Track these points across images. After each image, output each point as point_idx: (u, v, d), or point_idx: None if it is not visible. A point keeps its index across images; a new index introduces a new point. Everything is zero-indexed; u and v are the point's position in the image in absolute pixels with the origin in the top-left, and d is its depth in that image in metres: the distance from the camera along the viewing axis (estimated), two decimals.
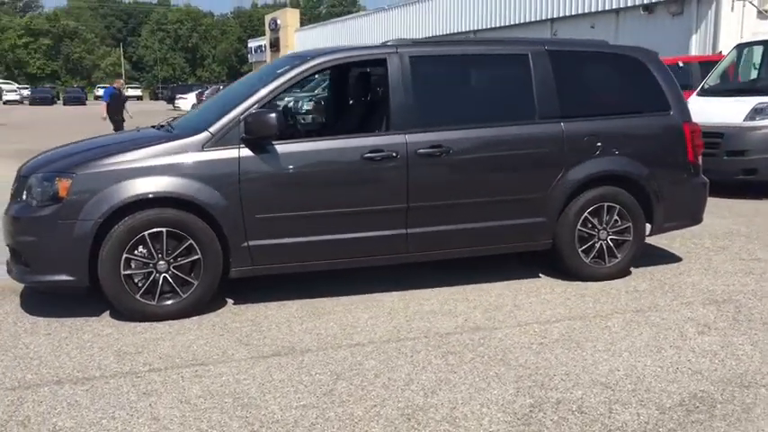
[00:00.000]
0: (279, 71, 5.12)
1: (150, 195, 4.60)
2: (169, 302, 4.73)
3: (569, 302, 5.14)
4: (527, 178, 5.36)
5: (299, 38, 40.28)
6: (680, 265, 6.12)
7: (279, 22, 41.25)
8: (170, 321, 4.71)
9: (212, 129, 4.78)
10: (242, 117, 4.76)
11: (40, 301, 5.17)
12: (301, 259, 5.01)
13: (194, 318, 4.79)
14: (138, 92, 72.46)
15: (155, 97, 71.84)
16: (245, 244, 4.82)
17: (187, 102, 37.20)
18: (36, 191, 4.67)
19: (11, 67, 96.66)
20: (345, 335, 4.52)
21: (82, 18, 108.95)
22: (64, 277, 4.62)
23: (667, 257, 6.41)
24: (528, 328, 4.61)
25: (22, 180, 4.90)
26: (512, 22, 26.00)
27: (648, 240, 6.86)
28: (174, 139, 4.84)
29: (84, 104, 56.34)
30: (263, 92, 4.93)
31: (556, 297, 5.26)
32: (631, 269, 5.89)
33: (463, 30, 28.66)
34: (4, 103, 58.91)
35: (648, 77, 5.71)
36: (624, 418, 3.40)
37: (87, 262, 4.57)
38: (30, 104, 57.17)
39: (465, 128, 5.23)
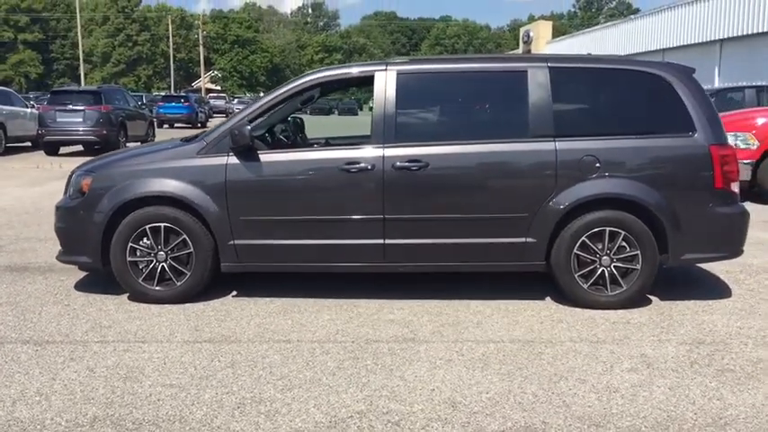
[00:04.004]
0: (275, 88, 5.61)
1: (147, 194, 5.34)
2: (163, 288, 5.43)
3: (537, 327, 4.96)
4: (512, 197, 5.25)
5: (550, 49, 39.92)
6: (716, 303, 5.53)
7: (531, 34, 41.25)
8: (163, 305, 5.40)
9: (207, 138, 5.41)
10: (232, 129, 5.31)
11: (93, 279, 6.16)
12: (283, 260, 5.43)
13: (188, 304, 5.43)
14: None
15: None
16: (232, 242, 5.36)
17: None
18: (72, 186, 5.64)
19: None
20: (286, 332, 4.85)
21: (372, 35, 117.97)
22: (84, 259, 5.54)
23: (717, 292, 5.82)
24: (457, 346, 4.59)
25: (69, 177, 5.92)
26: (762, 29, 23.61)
27: (717, 271, 6.30)
28: (178, 147, 5.54)
29: (357, 114, 60.93)
30: (254, 107, 5.46)
31: (530, 320, 5.10)
32: (654, 298, 5.49)
33: (709, 39, 26.54)
34: None
35: (671, 96, 5.26)
36: None
37: (100, 247, 5.42)
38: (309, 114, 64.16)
39: (447, 144, 5.29)
